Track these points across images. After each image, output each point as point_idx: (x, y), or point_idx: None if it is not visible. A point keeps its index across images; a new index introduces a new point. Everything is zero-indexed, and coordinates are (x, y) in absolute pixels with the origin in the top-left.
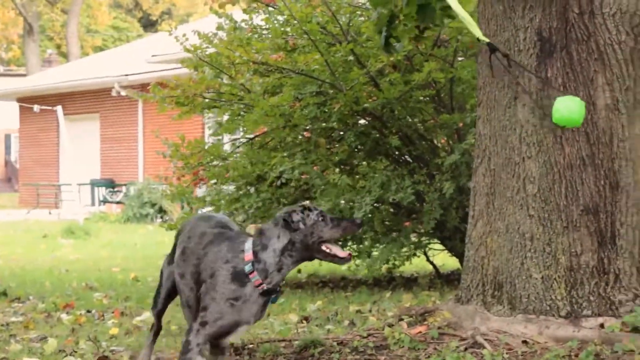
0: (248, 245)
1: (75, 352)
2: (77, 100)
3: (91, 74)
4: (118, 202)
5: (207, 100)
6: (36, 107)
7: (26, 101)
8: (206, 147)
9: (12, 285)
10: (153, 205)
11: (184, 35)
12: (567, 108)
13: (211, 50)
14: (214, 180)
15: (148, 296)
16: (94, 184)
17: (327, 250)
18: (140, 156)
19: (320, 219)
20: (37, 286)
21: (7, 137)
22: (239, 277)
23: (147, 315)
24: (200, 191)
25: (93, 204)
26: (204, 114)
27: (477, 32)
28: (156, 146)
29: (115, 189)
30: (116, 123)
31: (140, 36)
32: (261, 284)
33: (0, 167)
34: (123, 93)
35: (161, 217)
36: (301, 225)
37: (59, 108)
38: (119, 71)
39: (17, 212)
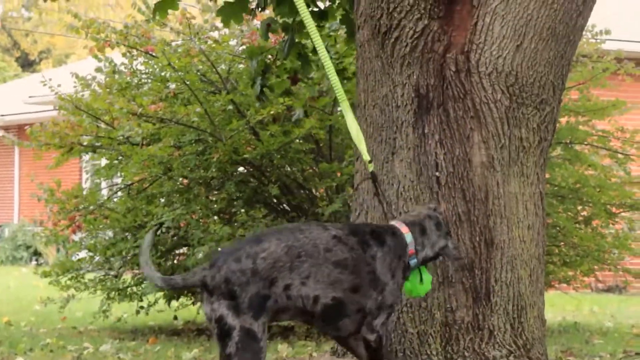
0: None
1: None
2: None
3: None
4: None
5: (85, 145)
6: None
7: None
8: (83, 193)
9: None
10: (28, 247)
11: (59, 85)
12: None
13: (88, 93)
14: (91, 227)
15: (21, 341)
16: None
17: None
18: (16, 197)
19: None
20: None
21: None
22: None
23: None
24: (76, 236)
25: None
26: (81, 158)
27: (364, 154)
28: (32, 188)
29: None
30: None
31: (18, 76)
32: None
33: None
34: (0, 133)
35: (36, 260)
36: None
37: None
38: None
39: None
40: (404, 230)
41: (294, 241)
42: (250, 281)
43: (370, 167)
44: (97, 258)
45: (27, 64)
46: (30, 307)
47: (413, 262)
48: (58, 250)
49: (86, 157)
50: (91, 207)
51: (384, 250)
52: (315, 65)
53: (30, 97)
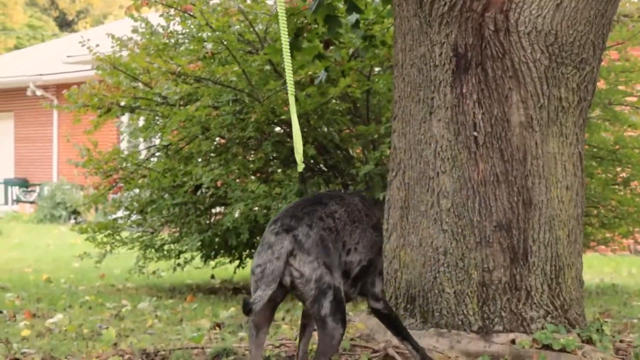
0: None
1: None
2: None
3: (6, 72)
4: (31, 202)
5: (122, 106)
6: None
7: None
8: (121, 154)
9: None
10: (66, 206)
11: (97, 45)
12: None
13: (125, 54)
14: (129, 186)
15: (60, 298)
16: (7, 183)
17: None
18: (55, 157)
19: None
20: None
21: None
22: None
23: (60, 317)
24: (114, 195)
25: (6, 203)
26: (118, 119)
27: (299, 154)
28: (70, 147)
29: (29, 189)
30: (31, 123)
31: (56, 35)
32: None
33: None
34: (38, 93)
35: (74, 219)
36: None
37: None
38: (34, 70)
39: None
40: None
41: (346, 207)
42: (336, 239)
43: (300, 167)
44: (134, 216)
45: (65, 24)
46: (69, 264)
47: None
48: (96, 209)
49: (122, 118)
50: (130, 168)
51: (378, 215)
52: (344, 27)
53: (68, 56)
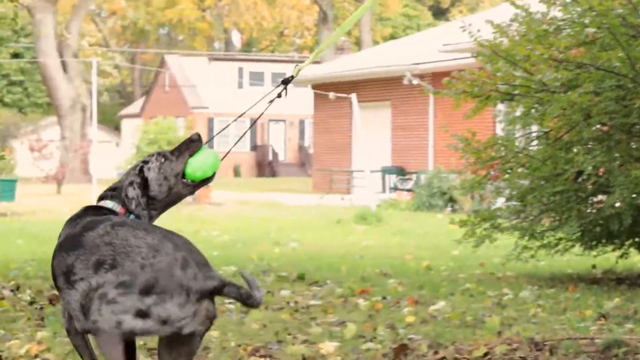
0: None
1: (375, 338)
2: (369, 88)
3: (383, 62)
4: (408, 190)
5: (501, 93)
6: (332, 95)
7: (320, 88)
8: (500, 142)
9: (310, 269)
10: (443, 194)
11: (478, 30)
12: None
13: (505, 41)
14: (507, 175)
15: (441, 285)
16: (384, 171)
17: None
18: (431, 145)
19: (162, 159)
20: (333, 271)
21: (301, 123)
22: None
23: (442, 305)
24: (491, 185)
25: (384, 191)
26: (494, 107)
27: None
28: (446, 136)
29: (406, 177)
30: (407, 111)
31: (431, 24)
32: None
33: (294, 152)
34: (414, 82)
35: (451, 207)
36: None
37: (353, 96)
38: (410, 60)
39: (310, 197)
40: (102, 203)
41: None
42: None
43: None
44: (512, 204)
45: (440, 13)
46: (447, 252)
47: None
48: (473, 197)
49: (499, 106)
50: (508, 156)
51: None
52: None
53: (444, 45)
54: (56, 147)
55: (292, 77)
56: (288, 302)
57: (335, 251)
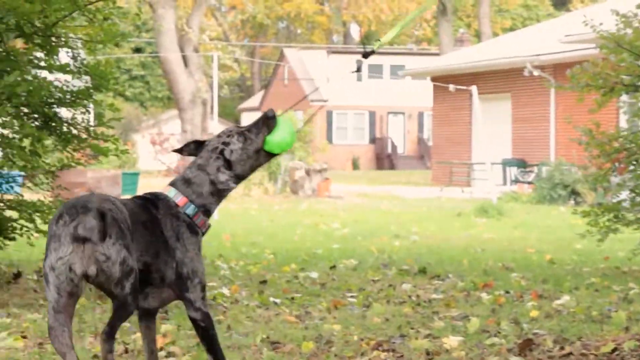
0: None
1: (499, 332)
2: (489, 80)
3: (503, 54)
4: (529, 183)
5: (626, 85)
6: (452, 87)
7: (439, 80)
8: (625, 134)
9: (431, 263)
10: (565, 187)
11: (601, 24)
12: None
13: (629, 32)
14: (633, 168)
15: (565, 279)
16: (505, 163)
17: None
18: (552, 137)
19: (242, 138)
20: (455, 264)
21: (420, 115)
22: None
23: (566, 299)
24: (616, 178)
25: (504, 183)
26: (619, 99)
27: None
28: (568, 127)
29: (527, 169)
30: (527, 103)
31: (551, 15)
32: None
33: (413, 145)
34: (535, 73)
35: (574, 200)
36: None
37: (473, 88)
38: (530, 51)
39: (430, 189)
40: (166, 190)
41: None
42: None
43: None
44: (638, 198)
45: (561, 3)
46: (570, 245)
47: (190, 208)
48: (596, 190)
49: (624, 97)
50: (634, 148)
51: (161, 211)
52: None
53: (565, 35)
54: (177, 141)
55: (373, 51)
56: (410, 296)
57: (456, 244)
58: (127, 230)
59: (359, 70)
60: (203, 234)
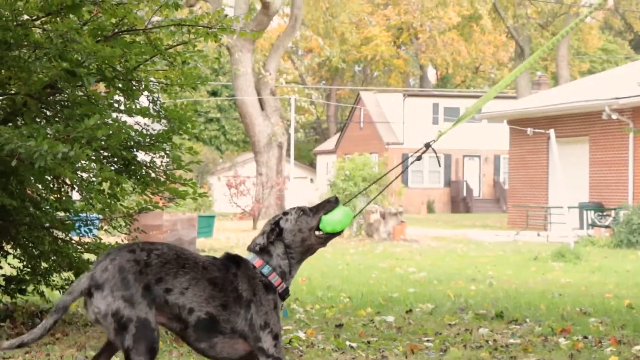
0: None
1: None
2: (567, 123)
3: (581, 97)
4: (607, 227)
5: None
6: (530, 130)
7: (516, 123)
8: None
9: (508, 307)
10: None
11: None
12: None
13: None
14: None
15: None
16: (582, 207)
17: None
18: (630, 180)
19: (300, 213)
20: (532, 309)
21: (497, 158)
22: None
23: None
24: None
25: (581, 227)
26: None
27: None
28: None
29: (604, 213)
30: (606, 146)
31: (630, 58)
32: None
33: (489, 188)
34: (613, 117)
35: None
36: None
37: (551, 131)
38: (609, 94)
39: (506, 232)
40: (246, 254)
41: (180, 252)
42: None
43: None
44: None
45: None
46: None
47: (266, 268)
48: None
49: None
50: None
51: (240, 270)
52: None
53: None
54: (252, 184)
55: (434, 140)
56: (487, 341)
57: (533, 288)
58: (136, 280)
59: (419, 159)
60: (280, 295)
